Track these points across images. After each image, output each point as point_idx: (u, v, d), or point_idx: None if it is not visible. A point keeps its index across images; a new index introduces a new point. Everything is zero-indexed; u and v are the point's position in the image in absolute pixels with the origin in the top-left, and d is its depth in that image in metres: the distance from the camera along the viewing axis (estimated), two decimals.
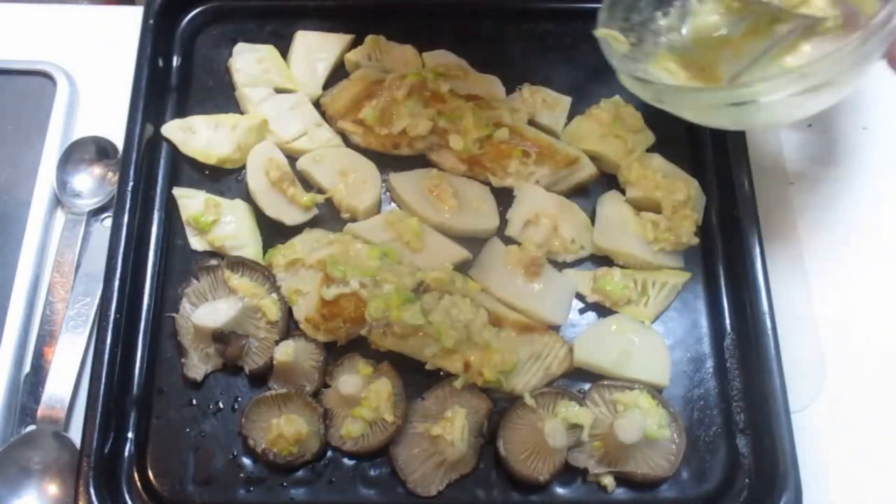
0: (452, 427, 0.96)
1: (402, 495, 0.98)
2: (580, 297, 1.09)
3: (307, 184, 1.14)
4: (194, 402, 1.03)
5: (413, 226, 1.09)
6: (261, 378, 1.03)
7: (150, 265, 1.09)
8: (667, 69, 1.04)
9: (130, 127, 1.10)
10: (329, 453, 1.00)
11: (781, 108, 0.93)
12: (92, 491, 0.93)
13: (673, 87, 0.99)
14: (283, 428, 0.97)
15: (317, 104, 1.20)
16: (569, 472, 0.99)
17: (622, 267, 1.09)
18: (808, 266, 1.13)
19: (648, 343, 1.04)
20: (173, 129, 1.15)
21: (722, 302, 1.08)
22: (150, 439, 1.01)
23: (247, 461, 1.00)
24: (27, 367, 1.05)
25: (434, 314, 0.99)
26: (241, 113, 1.18)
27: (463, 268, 1.09)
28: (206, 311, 1.02)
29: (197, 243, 1.10)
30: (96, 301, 1.07)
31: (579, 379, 1.04)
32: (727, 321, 1.07)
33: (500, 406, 1.02)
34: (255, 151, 1.14)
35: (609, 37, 1.00)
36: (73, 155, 1.16)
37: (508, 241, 1.11)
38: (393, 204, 1.15)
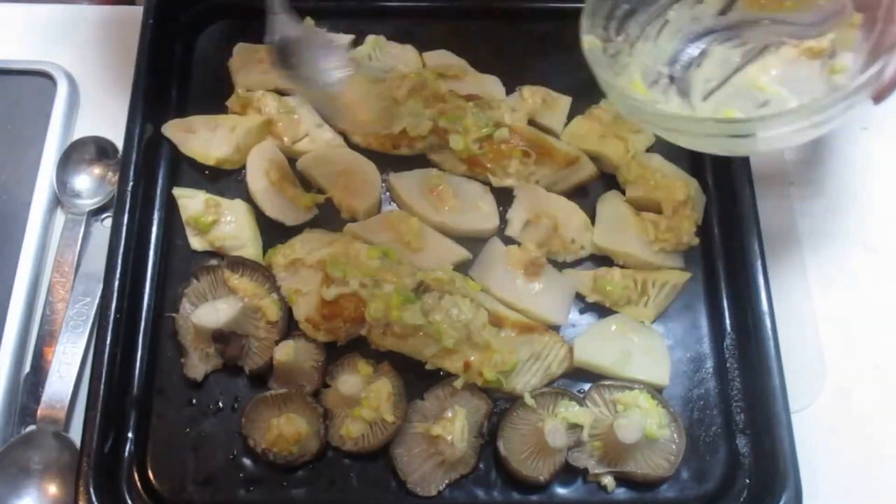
0: (452, 427, 0.96)
1: (402, 495, 0.98)
2: (580, 297, 1.09)
3: (307, 184, 1.14)
4: (194, 402, 1.03)
5: (413, 226, 1.09)
6: (261, 378, 1.03)
7: (150, 265, 1.08)
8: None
9: (130, 127, 1.10)
10: (329, 453, 1.00)
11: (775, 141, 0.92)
12: (92, 491, 0.92)
13: (669, 114, 0.95)
14: (283, 428, 0.97)
15: None
16: (569, 472, 0.99)
17: (622, 267, 1.09)
18: (808, 266, 1.13)
19: (648, 343, 1.04)
20: (173, 129, 1.15)
21: (722, 302, 1.08)
22: (150, 439, 1.01)
23: (247, 461, 1.00)
24: (27, 367, 1.05)
25: (434, 314, 0.99)
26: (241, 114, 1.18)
27: (463, 268, 1.08)
28: (206, 311, 1.02)
29: (197, 243, 1.10)
30: (96, 301, 1.06)
31: (579, 379, 1.04)
32: (727, 321, 1.07)
33: (500, 406, 1.02)
34: (255, 152, 1.14)
35: (595, 48, 0.95)
36: (73, 155, 1.16)
37: (508, 241, 1.11)
38: (393, 204, 1.15)
